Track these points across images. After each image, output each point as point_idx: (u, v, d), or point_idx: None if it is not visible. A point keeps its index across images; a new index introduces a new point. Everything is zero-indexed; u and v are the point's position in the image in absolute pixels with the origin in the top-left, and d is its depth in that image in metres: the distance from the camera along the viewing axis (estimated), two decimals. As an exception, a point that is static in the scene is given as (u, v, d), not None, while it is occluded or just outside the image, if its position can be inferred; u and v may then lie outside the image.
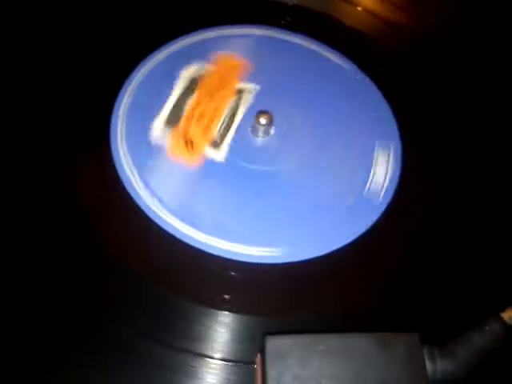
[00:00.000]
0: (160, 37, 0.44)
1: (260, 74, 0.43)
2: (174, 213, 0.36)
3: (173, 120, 0.40)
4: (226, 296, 0.33)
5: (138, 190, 0.37)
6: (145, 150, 0.39)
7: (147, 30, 0.45)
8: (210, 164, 0.39)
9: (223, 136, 0.40)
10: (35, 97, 0.40)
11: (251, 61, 0.43)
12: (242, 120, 0.41)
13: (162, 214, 0.36)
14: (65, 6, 0.45)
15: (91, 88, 0.41)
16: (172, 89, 0.41)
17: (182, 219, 0.36)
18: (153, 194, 0.37)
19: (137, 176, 0.37)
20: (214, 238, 0.35)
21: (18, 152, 0.37)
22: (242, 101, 0.41)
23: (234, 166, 0.39)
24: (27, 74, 0.41)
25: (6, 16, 0.44)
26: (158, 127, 0.40)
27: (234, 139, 0.40)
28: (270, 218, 0.37)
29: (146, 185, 0.37)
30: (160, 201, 0.36)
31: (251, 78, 0.43)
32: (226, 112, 0.41)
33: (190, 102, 0.41)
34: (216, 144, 0.39)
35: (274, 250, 0.35)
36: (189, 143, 0.39)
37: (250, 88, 0.42)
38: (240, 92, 0.42)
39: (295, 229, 0.36)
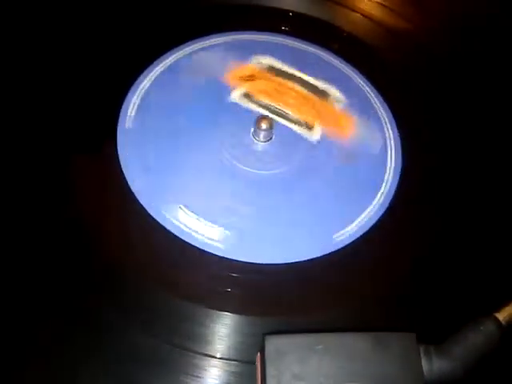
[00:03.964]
0: (165, 43, 0.45)
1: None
2: (177, 212, 0.37)
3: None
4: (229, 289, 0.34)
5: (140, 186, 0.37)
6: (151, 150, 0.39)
7: (157, 33, 0.46)
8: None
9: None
10: (45, 99, 0.41)
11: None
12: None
13: (166, 214, 0.37)
14: (74, 6, 0.46)
15: (100, 88, 0.42)
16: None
17: (185, 218, 0.36)
18: (155, 193, 0.37)
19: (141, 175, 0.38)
20: (215, 240, 0.36)
21: (26, 155, 0.38)
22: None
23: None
24: (37, 77, 0.42)
25: (20, 20, 0.45)
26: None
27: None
28: (269, 219, 0.37)
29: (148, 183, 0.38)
30: (162, 200, 0.37)
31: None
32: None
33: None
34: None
35: (274, 251, 0.36)
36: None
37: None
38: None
39: (295, 231, 0.37)
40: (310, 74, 0.44)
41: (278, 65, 0.45)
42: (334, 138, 0.41)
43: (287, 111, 0.42)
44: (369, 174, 0.40)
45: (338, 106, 0.43)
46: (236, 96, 0.43)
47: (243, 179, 0.39)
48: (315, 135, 0.41)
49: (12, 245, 0.34)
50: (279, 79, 0.44)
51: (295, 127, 0.41)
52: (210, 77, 0.43)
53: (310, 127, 0.41)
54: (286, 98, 0.43)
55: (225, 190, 0.38)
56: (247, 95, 0.43)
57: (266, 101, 0.43)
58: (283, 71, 0.44)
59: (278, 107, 0.42)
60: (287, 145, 0.41)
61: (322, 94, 0.43)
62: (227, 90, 0.43)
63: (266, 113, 0.42)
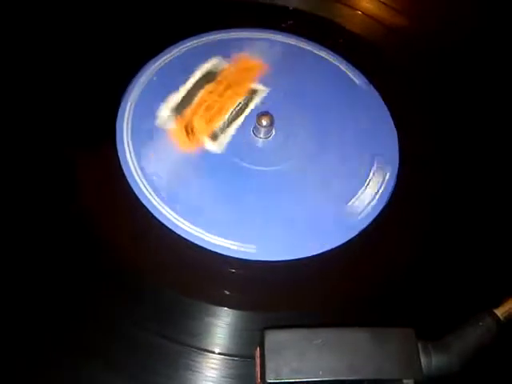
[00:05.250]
0: (166, 37, 0.45)
1: (273, 78, 0.44)
2: (175, 209, 0.37)
3: (180, 107, 0.41)
4: (227, 291, 0.34)
5: (140, 184, 0.38)
6: (147, 137, 0.40)
7: (159, 28, 0.46)
8: (206, 155, 0.39)
9: (223, 130, 0.41)
10: (46, 93, 0.41)
11: (269, 64, 0.44)
12: (247, 119, 0.41)
13: (163, 211, 0.37)
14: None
15: (100, 83, 0.42)
16: (186, 80, 0.42)
17: (183, 216, 0.36)
18: (152, 187, 0.37)
19: (139, 170, 0.38)
20: (214, 236, 0.36)
21: (25, 151, 0.38)
22: (253, 101, 0.42)
23: (229, 161, 0.39)
24: (37, 73, 0.42)
25: (18, 18, 0.45)
26: (164, 113, 0.41)
27: (234, 136, 0.40)
28: (266, 218, 0.37)
29: (146, 177, 0.38)
30: (160, 196, 0.37)
31: (266, 81, 0.43)
32: (233, 108, 0.41)
33: (202, 93, 0.42)
34: (215, 136, 0.40)
35: (270, 248, 0.36)
36: (189, 130, 0.40)
37: (263, 90, 0.43)
38: (253, 92, 0.43)
39: (293, 228, 0.37)
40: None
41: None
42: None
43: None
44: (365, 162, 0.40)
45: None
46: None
47: (245, 177, 0.39)
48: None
49: (12, 240, 0.35)
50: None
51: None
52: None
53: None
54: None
55: (225, 187, 0.38)
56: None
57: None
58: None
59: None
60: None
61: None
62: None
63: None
